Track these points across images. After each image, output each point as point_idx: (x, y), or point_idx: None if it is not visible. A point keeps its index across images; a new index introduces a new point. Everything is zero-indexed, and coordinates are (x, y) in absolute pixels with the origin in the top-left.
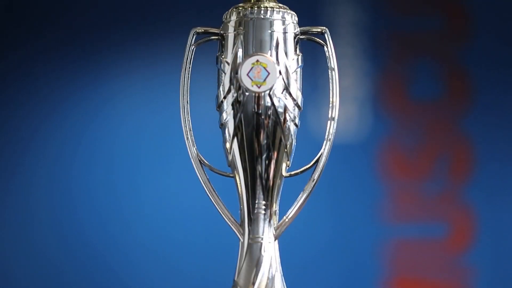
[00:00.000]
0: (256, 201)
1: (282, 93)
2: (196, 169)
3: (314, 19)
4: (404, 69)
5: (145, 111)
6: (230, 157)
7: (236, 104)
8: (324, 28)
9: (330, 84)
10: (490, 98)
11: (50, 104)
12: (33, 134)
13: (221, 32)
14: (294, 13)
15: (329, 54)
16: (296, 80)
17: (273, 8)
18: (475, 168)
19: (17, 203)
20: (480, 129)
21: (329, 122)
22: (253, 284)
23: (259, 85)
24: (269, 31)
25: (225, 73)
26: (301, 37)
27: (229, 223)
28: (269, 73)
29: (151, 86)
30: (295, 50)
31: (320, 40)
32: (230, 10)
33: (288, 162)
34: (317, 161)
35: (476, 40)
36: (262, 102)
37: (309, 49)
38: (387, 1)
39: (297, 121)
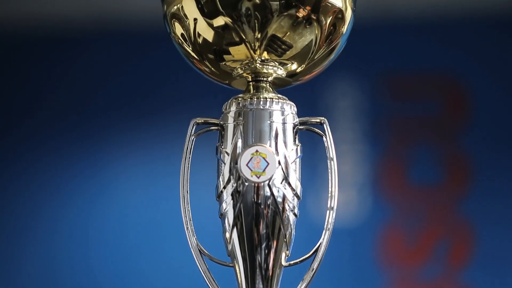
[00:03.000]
0: None
1: (281, 183)
2: (196, 258)
3: (314, 106)
4: (404, 154)
5: (145, 199)
6: (229, 247)
7: (235, 194)
8: (323, 118)
9: (329, 174)
10: (490, 182)
11: (52, 186)
12: (39, 213)
13: (221, 122)
14: (293, 103)
15: (328, 145)
16: (295, 170)
17: (272, 99)
18: (475, 252)
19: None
20: (480, 213)
21: (328, 211)
22: None
23: (258, 175)
24: (268, 122)
25: (224, 163)
26: (300, 127)
27: None
28: (268, 164)
29: (150, 173)
30: (294, 140)
31: (319, 131)
32: (229, 101)
33: (288, 252)
34: (316, 250)
35: (475, 125)
36: (262, 192)
37: (308, 135)
38: (386, 86)
39: (296, 210)
